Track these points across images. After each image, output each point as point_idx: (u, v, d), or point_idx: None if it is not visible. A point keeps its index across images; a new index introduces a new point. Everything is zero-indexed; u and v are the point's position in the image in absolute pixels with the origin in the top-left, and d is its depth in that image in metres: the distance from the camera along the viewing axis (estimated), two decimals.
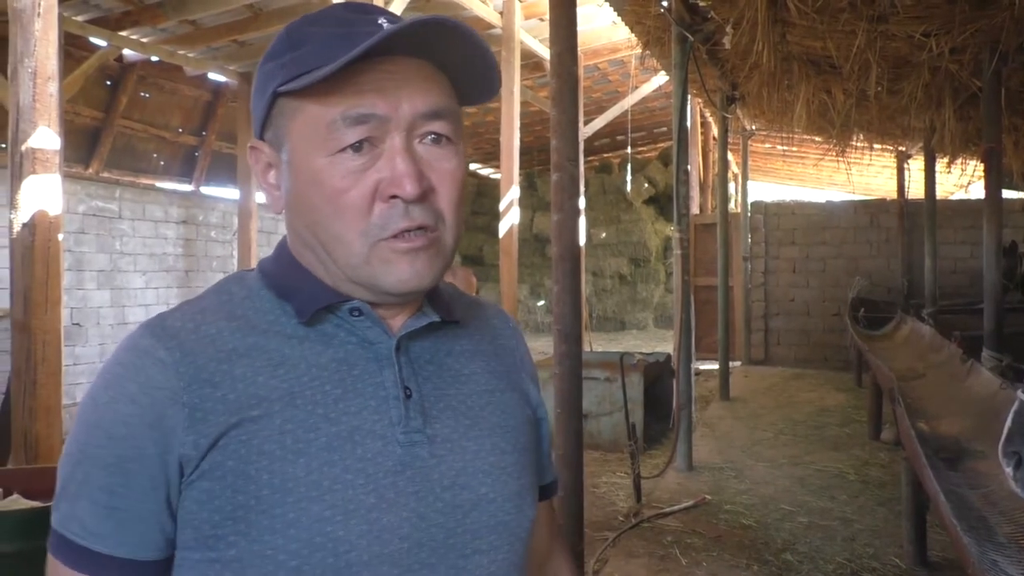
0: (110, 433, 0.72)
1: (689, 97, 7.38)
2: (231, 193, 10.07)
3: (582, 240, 11.01)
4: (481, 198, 18.93)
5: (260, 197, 10.09)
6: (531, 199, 17.53)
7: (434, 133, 0.78)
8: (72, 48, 7.67)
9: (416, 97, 0.76)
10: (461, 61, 0.79)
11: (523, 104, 9.18)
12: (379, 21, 0.77)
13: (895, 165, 11.17)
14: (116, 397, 0.73)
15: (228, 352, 0.76)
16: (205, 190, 10.34)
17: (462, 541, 0.79)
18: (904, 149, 10.30)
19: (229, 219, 9.96)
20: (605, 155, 17.73)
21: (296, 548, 0.71)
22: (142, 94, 9.28)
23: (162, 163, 9.92)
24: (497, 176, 16.87)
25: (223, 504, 0.71)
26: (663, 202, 17.09)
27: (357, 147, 0.75)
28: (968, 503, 2.78)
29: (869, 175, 13.78)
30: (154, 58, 8.57)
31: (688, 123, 7.88)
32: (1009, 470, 1.57)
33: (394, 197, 0.75)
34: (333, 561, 0.71)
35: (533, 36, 9.04)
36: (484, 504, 0.81)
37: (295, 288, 0.81)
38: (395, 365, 0.80)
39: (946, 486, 2.74)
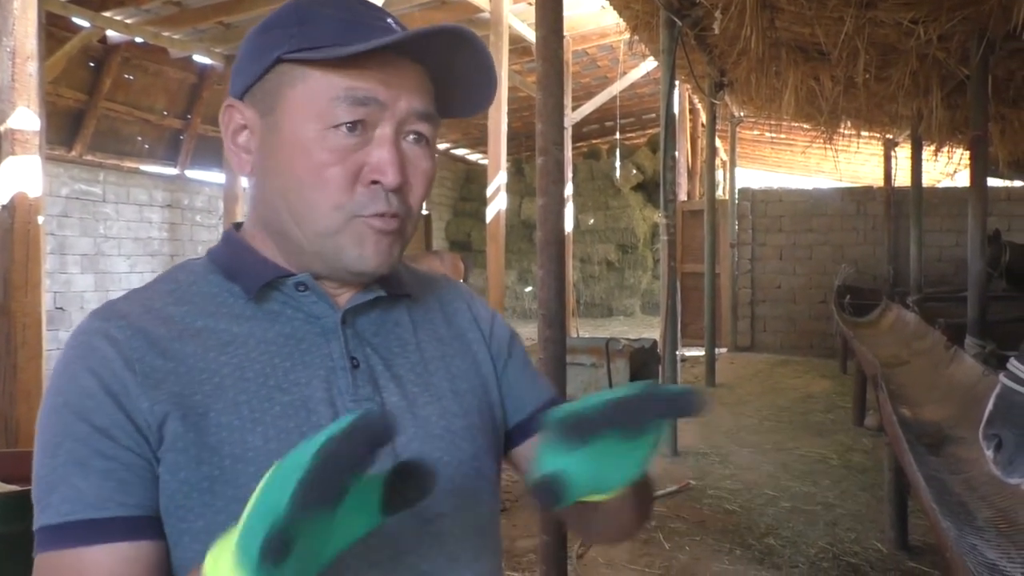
0: (78, 408, 0.73)
1: (677, 83, 7.38)
2: (216, 177, 10.01)
3: (569, 226, 11.01)
4: (469, 184, 18.87)
5: (246, 181, 10.03)
6: (519, 185, 17.50)
7: (418, 133, 0.82)
8: (54, 29, 7.57)
9: (413, 96, 0.81)
10: (460, 73, 0.84)
11: (511, 89, 9.14)
12: (387, 20, 0.82)
13: (882, 153, 11.20)
14: (75, 375, 0.75)
15: (178, 332, 0.79)
16: (190, 174, 10.26)
17: (423, 506, 0.77)
18: (891, 137, 10.32)
19: (215, 203, 9.90)
20: (593, 141, 17.70)
21: None
22: (126, 76, 9.17)
23: (147, 146, 9.82)
24: (485, 162, 16.85)
25: (189, 475, 0.73)
26: (651, 188, 17.08)
27: (351, 127, 0.78)
28: (949, 488, 2.80)
29: (856, 163, 13.81)
30: (138, 39, 8.47)
31: (676, 109, 7.87)
32: (989, 452, 1.57)
33: (375, 183, 0.79)
34: None
35: (521, 20, 8.99)
36: (439, 468, 0.79)
37: (241, 269, 0.84)
38: (341, 337, 0.83)
39: (927, 471, 2.76)
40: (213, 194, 9.94)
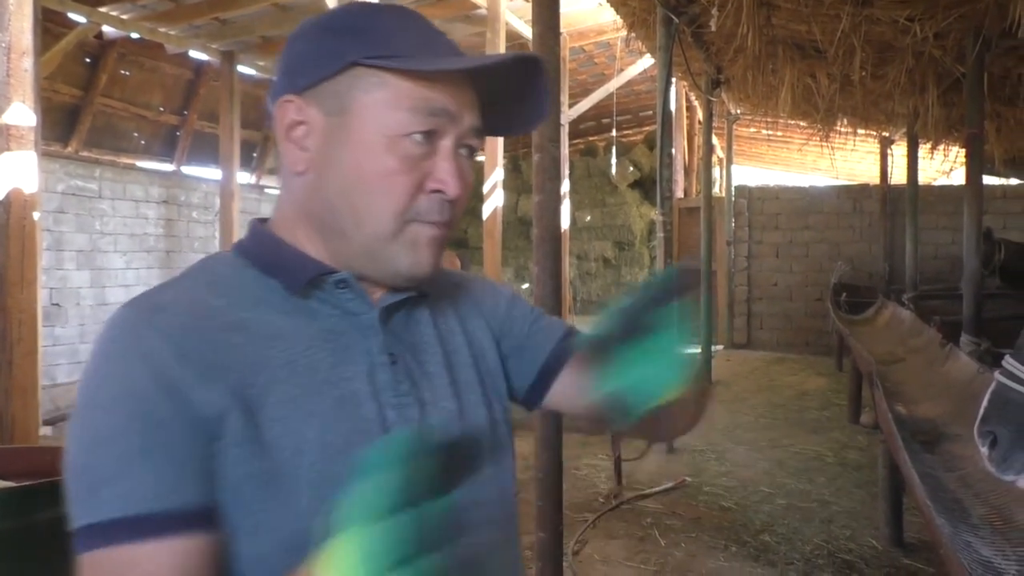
0: (131, 401, 0.71)
1: (674, 80, 7.37)
2: (213, 173, 9.97)
3: (566, 223, 11.00)
4: None
5: (242, 177, 10.03)
6: (516, 182, 17.48)
7: (470, 147, 0.86)
8: (50, 24, 7.54)
9: (474, 112, 0.85)
10: (517, 95, 0.89)
11: None
12: (447, 39, 0.86)
13: (878, 151, 11.21)
14: (123, 367, 0.73)
15: (223, 324, 0.77)
16: (186, 170, 10.24)
17: (461, 494, 0.81)
18: (887, 135, 10.33)
19: (211, 199, 9.88)
20: (590, 138, 17.68)
21: (317, 507, 0.71)
22: (122, 72, 9.15)
23: (143, 142, 9.80)
24: (481, 158, 16.86)
25: (248, 469, 0.73)
26: (648, 186, 17.04)
27: (423, 136, 0.81)
28: (943, 485, 2.80)
29: (853, 160, 13.82)
30: (134, 35, 8.45)
31: (673, 106, 7.88)
32: (984, 449, 1.58)
33: (437, 192, 0.82)
34: None
35: (518, 17, 8.99)
36: None
37: (281, 264, 0.84)
38: (380, 333, 0.85)
39: (922, 468, 2.76)
40: (209, 190, 9.92)
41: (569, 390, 1.00)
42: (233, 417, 0.73)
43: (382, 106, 0.80)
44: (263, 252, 0.86)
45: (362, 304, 0.85)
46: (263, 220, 0.91)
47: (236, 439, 0.73)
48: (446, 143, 0.82)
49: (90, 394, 0.73)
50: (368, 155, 0.80)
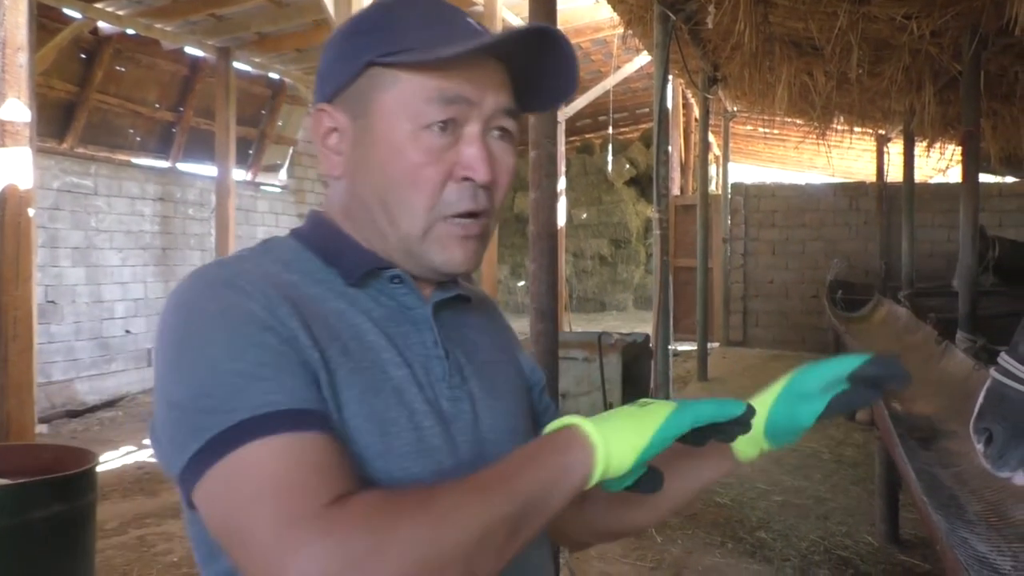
0: (248, 321, 0.72)
1: (671, 78, 7.37)
2: (209, 170, 9.95)
3: (562, 220, 11.00)
4: None
5: (238, 174, 10.00)
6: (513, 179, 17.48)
7: (503, 129, 0.85)
8: (45, 20, 7.51)
9: (499, 93, 0.84)
10: (542, 69, 0.87)
11: None
12: (467, 18, 0.85)
13: (875, 148, 11.21)
14: (230, 300, 0.74)
15: (297, 295, 0.78)
16: (182, 167, 10.20)
17: None
18: (884, 132, 10.33)
19: (207, 196, 9.85)
20: (587, 136, 17.68)
21: (381, 479, 0.74)
22: (118, 68, 9.12)
23: (138, 139, 9.77)
24: None
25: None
26: (644, 183, 17.07)
27: (443, 126, 0.81)
28: (939, 482, 2.81)
29: (849, 158, 13.83)
30: (130, 31, 8.42)
31: (669, 104, 7.87)
32: (980, 446, 1.58)
33: (467, 179, 0.82)
34: None
35: (515, 14, 8.97)
36: None
37: (340, 253, 0.86)
38: (433, 328, 0.86)
39: (918, 465, 2.77)
40: (205, 187, 9.89)
41: None
42: (322, 369, 0.74)
43: (398, 102, 0.81)
44: (323, 240, 0.87)
45: (415, 299, 0.86)
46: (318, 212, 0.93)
47: (325, 388, 0.74)
48: (471, 129, 0.82)
49: (194, 330, 0.73)
50: (392, 153, 0.81)
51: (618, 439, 0.74)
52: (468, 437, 0.84)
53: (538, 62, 0.86)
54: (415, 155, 0.81)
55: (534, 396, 1.03)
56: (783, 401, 0.90)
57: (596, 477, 0.73)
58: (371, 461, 0.75)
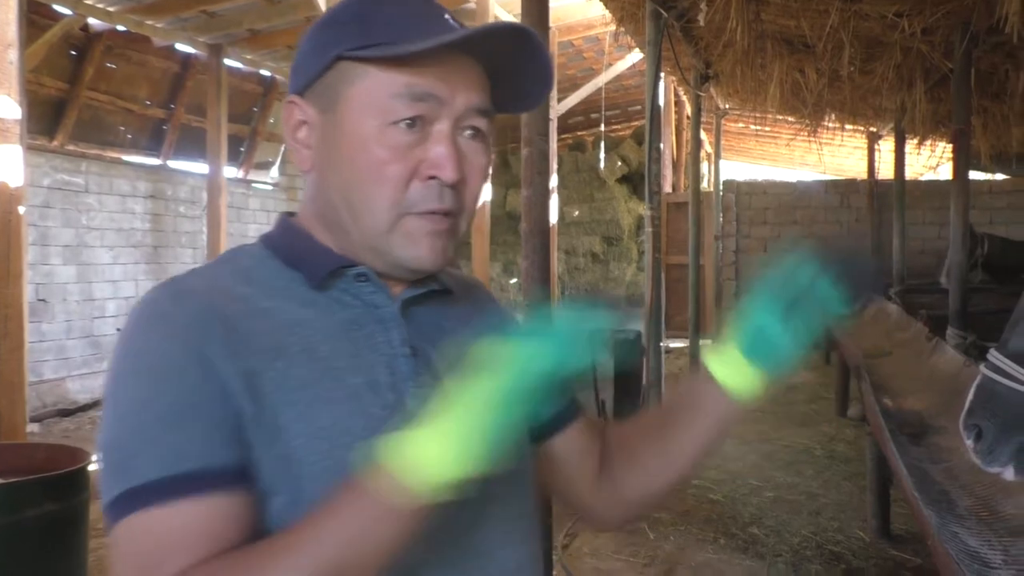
0: (165, 368, 0.73)
1: (663, 75, 7.37)
2: (200, 168, 9.92)
3: (554, 218, 11.00)
4: None
5: (230, 172, 9.97)
6: (504, 176, 17.46)
7: (475, 128, 0.84)
8: (35, 16, 7.47)
9: (471, 91, 0.82)
10: (516, 69, 0.85)
11: None
12: (445, 15, 0.83)
13: (866, 146, 11.26)
14: (153, 340, 0.75)
15: (248, 311, 0.79)
16: (173, 164, 10.17)
17: (479, 488, 0.80)
18: (875, 130, 10.37)
19: (198, 194, 9.82)
20: (579, 133, 17.67)
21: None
22: (108, 65, 9.08)
23: (129, 136, 9.73)
24: None
25: (262, 453, 0.74)
26: (636, 181, 17.08)
27: (410, 123, 0.79)
28: (930, 477, 2.82)
29: (840, 156, 13.86)
30: (120, 28, 8.38)
31: (661, 101, 7.88)
32: (970, 442, 1.59)
33: (433, 178, 0.80)
34: None
35: (507, 11, 8.97)
36: None
37: (303, 257, 0.85)
38: (400, 326, 0.85)
39: (909, 461, 2.78)
40: (196, 184, 9.86)
41: (559, 461, 0.99)
42: (247, 401, 0.73)
43: (366, 97, 0.80)
44: (287, 244, 0.87)
45: (382, 297, 0.85)
46: (291, 214, 0.93)
47: (251, 424, 0.73)
48: (440, 127, 0.81)
49: (122, 368, 0.75)
50: (358, 148, 0.80)
51: (428, 447, 0.65)
52: None
53: (513, 62, 0.84)
54: (380, 151, 0.79)
55: None
56: (751, 316, 0.86)
57: (417, 494, 0.66)
58: (320, 477, 0.73)
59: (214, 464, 0.71)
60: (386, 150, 0.79)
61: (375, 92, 0.79)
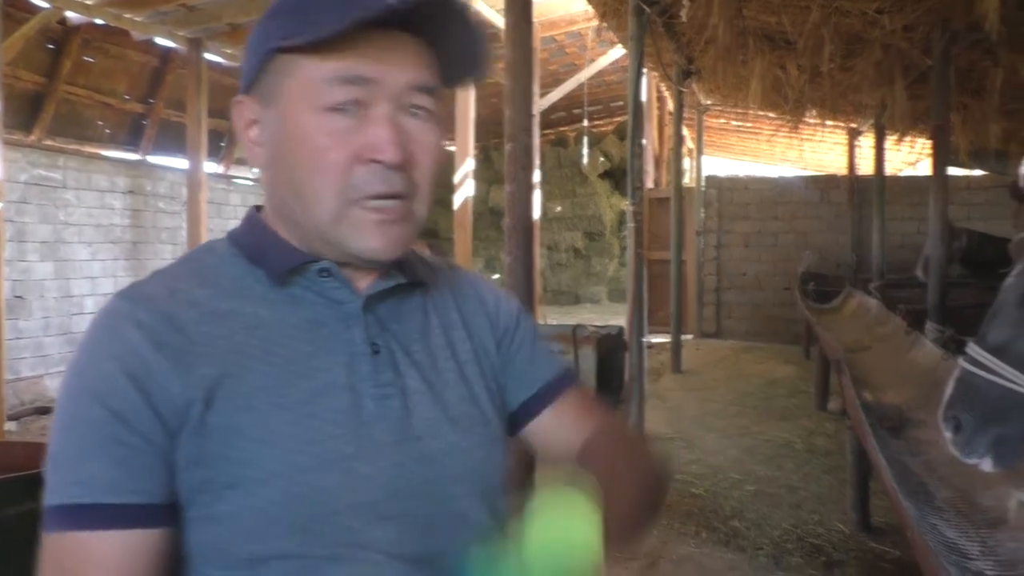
0: (98, 392, 0.73)
1: (645, 71, 7.40)
2: (180, 163, 9.84)
3: (537, 213, 11.00)
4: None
5: (210, 167, 9.90)
6: (487, 172, 17.46)
7: (418, 106, 0.82)
8: (12, 9, 7.38)
9: (407, 69, 0.80)
10: (452, 42, 0.83)
11: None
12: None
13: (846, 141, 11.33)
14: (97, 358, 0.75)
15: (204, 315, 0.79)
16: (153, 159, 10.09)
17: (438, 488, 0.82)
18: (855, 126, 10.45)
19: (178, 189, 9.75)
20: (561, 129, 17.70)
21: (280, 499, 0.74)
22: (87, 59, 8.99)
23: (108, 131, 9.64)
24: (452, 148, 16.80)
25: (212, 460, 0.74)
26: (618, 176, 17.13)
27: (346, 108, 0.78)
28: (909, 470, 2.85)
29: (821, 151, 13.95)
30: (99, 21, 8.30)
31: (644, 97, 7.90)
32: (949, 434, 1.61)
33: (375, 162, 0.79)
34: (315, 511, 0.74)
35: (490, 6, 8.95)
36: (456, 452, 0.84)
37: (265, 253, 0.84)
38: (362, 323, 0.83)
39: (889, 454, 2.81)
40: (176, 180, 9.78)
41: (542, 431, 0.98)
42: (203, 406, 0.74)
43: (300, 87, 0.79)
44: (250, 241, 0.86)
45: (346, 292, 0.84)
46: (259, 208, 0.91)
47: (202, 430, 0.74)
48: (378, 109, 0.79)
49: (66, 382, 0.76)
50: (299, 139, 0.79)
51: None
52: (395, 437, 0.80)
53: (448, 33, 0.82)
54: (319, 139, 0.78)
55: (502, 356, 0.96)
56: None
57: None
58: (269, 482, 0.74)
59: (130, 500, 0.72)
60: (325, 137, 0.78)
61: (307, 81, 0.78)
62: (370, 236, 0.80)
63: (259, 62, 0.82)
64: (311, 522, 0.74)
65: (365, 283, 0.86)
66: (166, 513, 0.74)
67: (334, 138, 0.78)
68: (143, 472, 0.73)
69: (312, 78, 0.78)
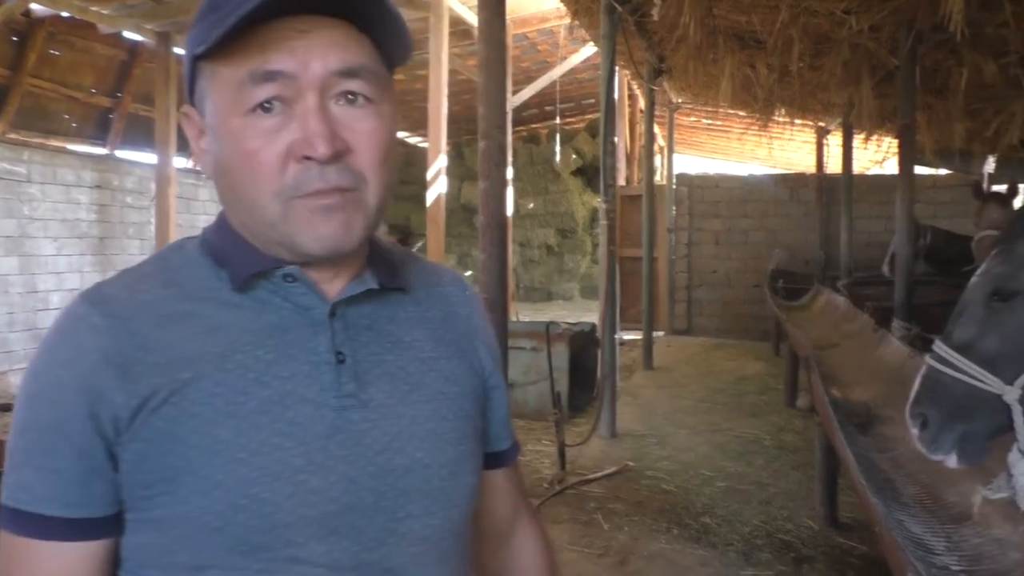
0: (47, 398, 0.74)
1: (617, 69, 7.41)
2: (148, 157, 9.71)
3: (510, 210, 11.00)
4: (409, 167, 18.70)
5: (179, 162, 9.78)
6: (459, 169, 17.41)
7: (350, 92, 0.77)
8: None
9: (329, 55, 0.75)
10: (377, 20, 0.78)
11: (452, 72, 9.07)
12: None
13: (815, 140, 11.45)
14: (51, 363, 0.75)
15: (162, 317, 0.77)
16: (120, 154, 9.95)
17: (394, 505, 0.79)
18: (823, 124, 10.55)
19: (146, 184, 9.63)
20: (533, 126, 17.70)
21: (220, 509, 0.72)
22: (52, 52, 8.84)
23: (74, 125, 9.49)
24: (425, 145, 16.73)
25: (153, 464, 0.73)
26: (590, 173, 17.17)
27: (268, 107, 0.75)
28: (877, 466, 2.89)
29: (790, 150, 14.09)
30: (65, 13, 8.16)
31: (615, 95, 7.92)
32: (915, 431, 1.63)
33: (308, 158, 0.75)
34: (257, 523, 0.73)
35: (462, 3, 8.93)
36: (418, 469, 0.81)
37: (230, 255, 0.81)
38: (328, 331, 0.80)
39: (856, 450, 2.85)
40: (144, 175, 9.65)
41: (487, 498, 0.96)
42: (147, 414, 0.73)
43: (222, 92, 0.76)
44: (218, 243, 0.84)
45: (313, 298, 0.80)
46: None
47: (146, 435, 0.73)
48: (304, 103, 0.75)
49: (24, 384, 0.77)
50: (231, 145, 0.76)
51: None
52: (352, 450, 0.77)
53: (369, 16, 0.78)
54: (249, 142, 0.75)
55: (486, 388, 0.95)
56: None
57: None
58: (209, 492, 0.72)
59: (63, 513, 0.73)
60: (254, 140, 0.75)
61: (227, 85, 0.76)
62: (316, 225, 0.76)
63: (189, 72, 0.80)
64: (252, 534, 0.72)
65: (335, 288, 0.82)
66: (106, 525, 0.75)
67: (263, 139, 0.75)
68: (77, 487, 0.73)
69: (231, 81, 0.75)
